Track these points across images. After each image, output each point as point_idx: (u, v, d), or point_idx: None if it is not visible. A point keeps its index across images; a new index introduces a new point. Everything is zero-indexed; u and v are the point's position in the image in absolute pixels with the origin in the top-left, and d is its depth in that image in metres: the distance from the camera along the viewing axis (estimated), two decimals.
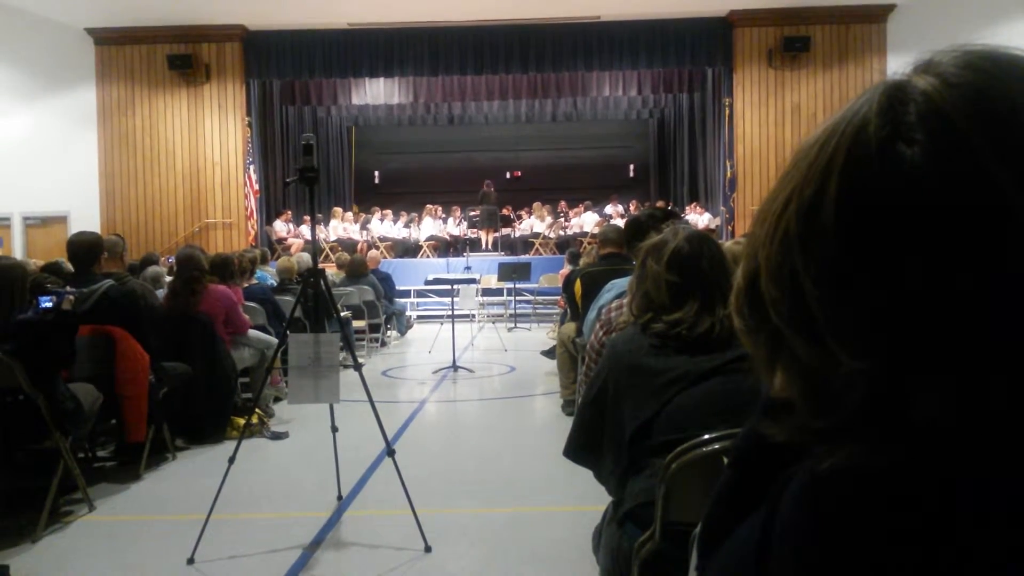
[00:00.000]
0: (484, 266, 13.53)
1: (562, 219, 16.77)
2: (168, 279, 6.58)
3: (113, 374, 4.58)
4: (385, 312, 10.37)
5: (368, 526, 3.91)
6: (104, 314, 4.60)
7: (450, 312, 9.44)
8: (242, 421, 5.22)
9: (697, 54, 15.09)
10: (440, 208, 17.17)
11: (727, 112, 15.14)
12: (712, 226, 14.85)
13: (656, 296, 2.07)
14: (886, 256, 0.45)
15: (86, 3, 13.84)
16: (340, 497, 4.23)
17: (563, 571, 3.38)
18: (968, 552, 0.45)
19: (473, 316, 12.54)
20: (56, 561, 3.58)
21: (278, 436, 5.66)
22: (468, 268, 12.35)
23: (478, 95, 17.64)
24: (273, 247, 14.67)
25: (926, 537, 0.46)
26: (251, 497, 4.32)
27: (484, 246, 16.14)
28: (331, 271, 10.77)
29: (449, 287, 10.06)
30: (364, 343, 9.73)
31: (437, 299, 13.14)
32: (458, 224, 16.75)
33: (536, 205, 16.84)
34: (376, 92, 17.52)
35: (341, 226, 16.03)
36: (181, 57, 14.87)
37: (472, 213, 16.38)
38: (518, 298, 13.32)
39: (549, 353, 7.90)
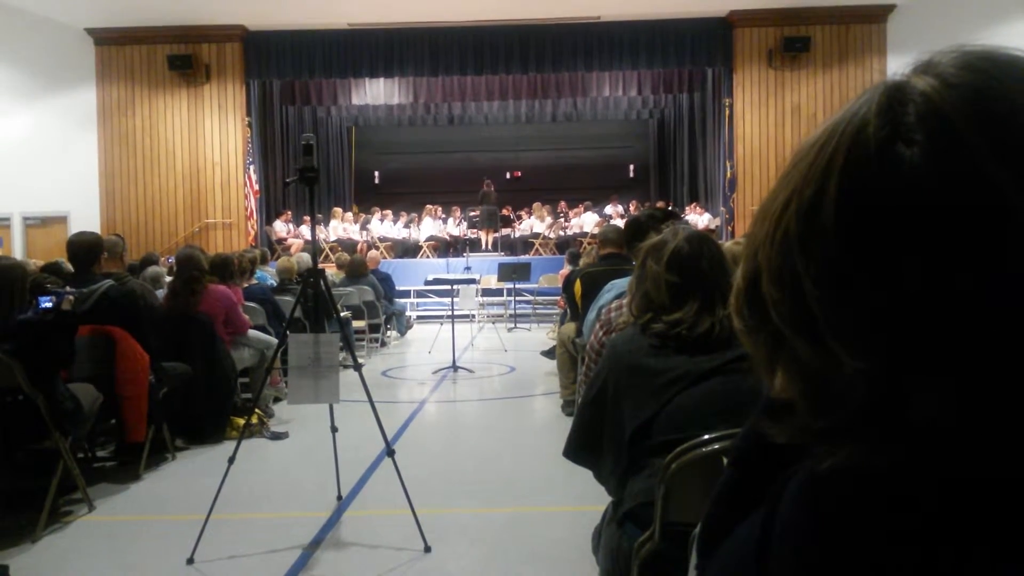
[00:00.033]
0: (484, 266, 13.53)
1: (562, 219, 16.78)
2: (168, 279, 6.58)
3: (113, 374, 4.58)
4: (385, 312, 10.37)
5: (368, 526, 3.91)
6: (104, 314, 4.60)
7: (450, 312, 9.45)
8: (242, 421, 5.22)
9: (697, 54, 15.10)
10: (440, 208, 17.18)
11: (727, 112, 15.14)
12: (712, 226, 14.85)
13: (656, 296, 2.07)
14: (885, 256, 0.45)
15: (86, 3, 13.84)
16: (340, 497, 4.23)
17: (563, 571, 3.38)
18: (967, 552, 0.45)
19: (473, 316, 12.54)
20: (56, 561, 3.59)
21: (278, 436, 5.66)
22: (468, 268, 12.36)
23: (478, 95, 17.65)
24: (273, 247, 14.67)
25: (925, 537, 0.46)
26: (251, 497, 4.32)
27: (484, 246, 16.14)
28: (331, 271, 10.77)
29: (449, 287, 10.07)
30: (364, 343, 9.73)
31: (437, 299, 13.14)
32: (458, 224, 16.75)
33: (536, 205, 16.85)
34: (376, 92, 17.53)
35: (341, 226, 16.03)
36: (181, 57, 14.87)
37: (472, 213, 16.39)
38: (518, 298, 13.32)
39: (549, 353, 7.90)
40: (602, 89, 17.65)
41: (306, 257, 8.96)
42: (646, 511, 1.90)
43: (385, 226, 16.42)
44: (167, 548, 3.63)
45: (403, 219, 16.86)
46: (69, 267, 5.46)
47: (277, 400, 6.59)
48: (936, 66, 0.48)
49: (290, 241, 15.27)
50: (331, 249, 14.80)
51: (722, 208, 15.29)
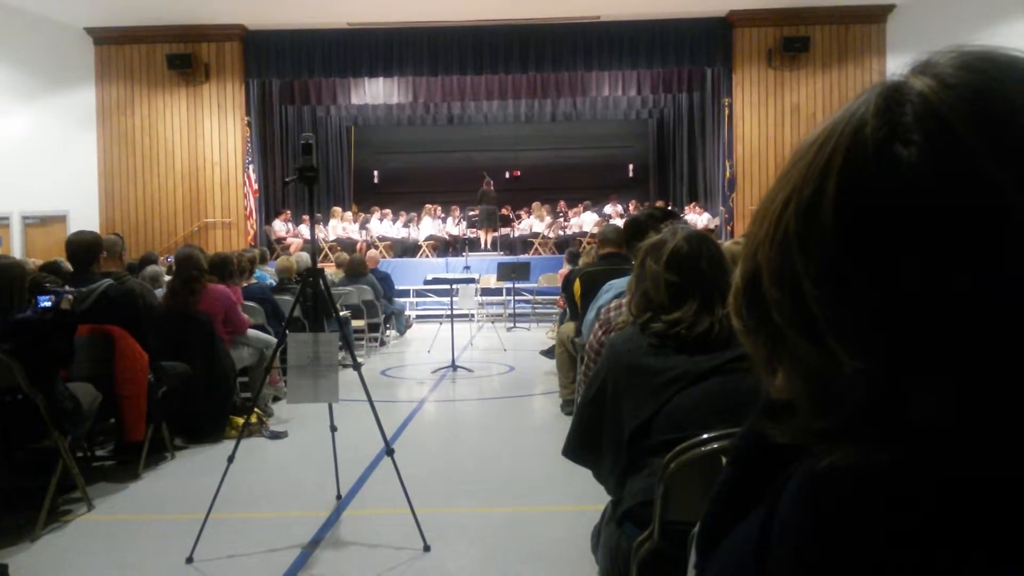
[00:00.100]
0: (483, 266, 13.53)
1: (561, 219, 16.78)
2: (167, 278, 6.58)
3: (112, 373, 4.58)
4: (384, 312, 10.36)
5: (367, 525, 3.91)
6: (103, 313, 4.60)
7: (449, 312, 9.44)
8: (241, 420, 5.21)
9: (696, 54, 15.10)
10: (439, 208, 17.17)
11: (726, 112, 15.14)
12: (711, 226, 14.85)
13: (655, 296, 2.08)
14: (884, 256, 0.45)
15: (85, 3, 13.83)
16: (339, 496, 4.23)
17: (562, 570, 3.38)
18: (966, 552, 0.45)
19: (472, 316, 12.53)
20: (55, 560, 3.58)
21: (277, 435, 5.66)
22: (467, 268, 12.35)
23: (477, 95, 17.64)
24: (272, 247, 14.67)
25: (925, 537, 0.46)
26: (250, 496, 4.32)
27: (483, 246, 16.13)
28: (330, 271, 10.76)
29: (448, 287, 10.06)
30: (363, 343, 9.73)
31: (436, 299, 13.14)
32: (457, 224, 16.75)
33: (535, 205, 16.84)
34: (375, 92, 17.52)
35: (340, 226, 16.03)
36: (180, 57, 14.86)
37: (471, 213, 16.38)
38: (517, 298, 13.32)
39: (548, 353, 7.90)
40: (601, 89, 17.64)
41: (305, 256, 8.97)
42: (645, 510, 1.90)
43: (384, 225, 16.42)
44: (166, 547, 3.62)
45: (402, 218, 16.87)
46: (68, 266, 5.46)
47: (276, 399, 6.59)
48: (934, 66, 0.48)
49: (289, 240, 15.27)
50: (330, 248, 14.81)
51: (721, 208, 15.29)
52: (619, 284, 3.55)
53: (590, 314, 3.94)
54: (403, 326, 11.57)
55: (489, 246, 16.14)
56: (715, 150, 16.04)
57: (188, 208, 15.17)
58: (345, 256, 11.20)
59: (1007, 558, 0.44)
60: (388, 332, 11.09)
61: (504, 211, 16.47)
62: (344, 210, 16.77)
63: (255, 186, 15.35)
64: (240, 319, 6.24)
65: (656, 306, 2.07)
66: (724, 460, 1.69)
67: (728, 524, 0.63)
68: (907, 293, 0.44)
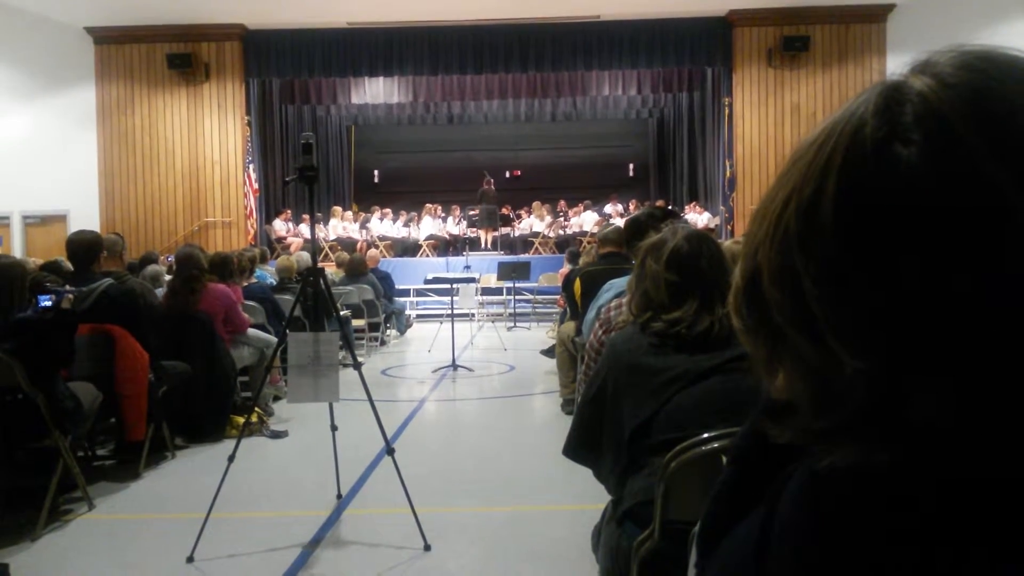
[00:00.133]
0: (484, 265, 13.53)
1: (561, 218, 16.78)
2: (167, 278, 6.58)
3: (112, 373, 4.58)
4: (384, 311, 10.36)
5: (367, 525, 3.91)
6: (103, 313, 4.60)
7: (450, 311, 9.44)
8: (241, 420, 5.21)
9: (697, 54, 15.09)
10: (439, 207, 17.17)
11: (726, 112, 15.14)
12: (711, 225, 14.85)
13: (655, 295, 2.08)
14: (884, 256, 0.45)
15: (85, 2, 13.83)
16: (340, 496, 4.23)
17: (562, 570, 3.38)
18: (966, 552, 0.45)
19: (473, 315, 12.53)
20: (56, 560, 3.59)
21: (277, 435, 5.66)
22: (468, 267, 12.35)
23: (478, 94, 17.63)
24: (272, 246, 14.67)
25: (924, 537, 0.46)
26: (251, 496, 4.32)
27: (484, 245, 16.13)
28: (330, 270, 10.76)
29: (448, 286, 10.06)
30: (363, 342, 9.73)
31: (436, 298, 13.14)
32: (457, 223, 16.75)
33: (536, 204, 16.84)
34: (376, 91, 17.52)
35: (340, 225, 16.03)
36: (181, 56, 14.86)
37: (471, 212, 16.38)
38: (518, 297, 13.32)
39: (549, 352, 7.90)
40: (602, 88, 17.64)
41: (306, 256, 8.96)
42: (646, 510, 1.90)
43: (385, 225, 16.43)
44: (167, 546, 3.63)
45: (403, 218, 16.87)
46: (69, 266, 5.46)
47: (277, 399, 6.59)
48: (934, 66, 0.48)
49: (290, 240, 15.27)
50: (331, 248, 14.81)
51: (721, 207, 15.29)
52: (619, 283, 3.55)
53: (590, 313, 3.95)
54: (403, 325, 11.57)
55: (489, 245, 16.14)
56: (715, 149, 16.03)
57: (188, 207, 15.17)
58: (345, 255, 11.20)
59: (1007, 558, 0.44)
60: (388, 331, 11.08)
61: (504, 210, 16.46)
62: (344, 209, 16.77)
63: (255, 185, 15.35)
64: (240, 318, 6.24)
65: (656, 305, 2.07)
66: (724, 459, 1.69)
67: (728, 524, 0.63)
68: (907, 293, 0.44)
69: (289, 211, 16.01)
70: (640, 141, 20.33)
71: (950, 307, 0.44)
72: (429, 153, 20.21)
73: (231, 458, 3.62)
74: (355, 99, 17.70)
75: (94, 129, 15.12)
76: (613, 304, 3.00)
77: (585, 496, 3.45)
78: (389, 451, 3.70)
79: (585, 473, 2.25)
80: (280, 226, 15.61)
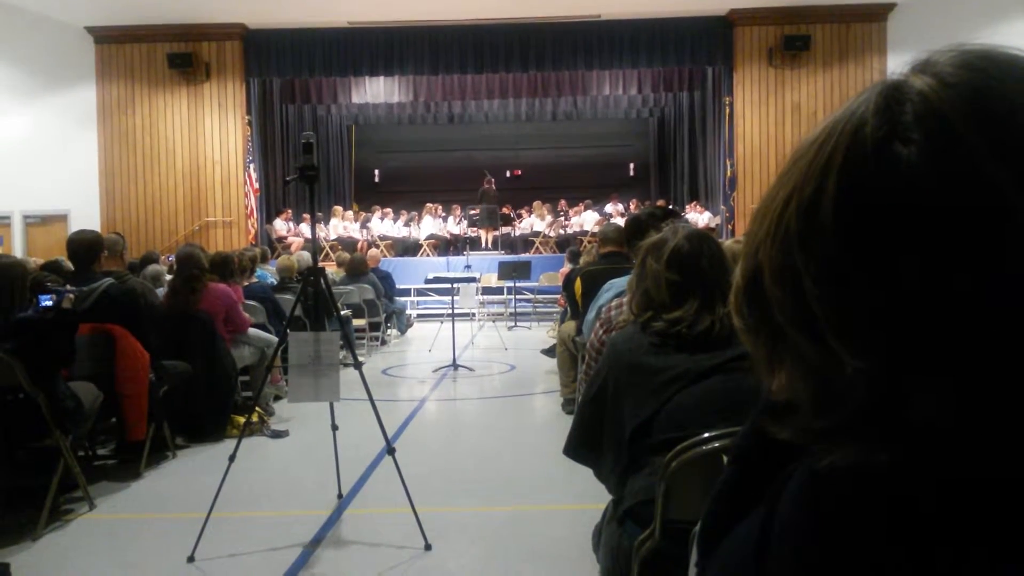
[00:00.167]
0: (484, 265, 13.53)
1: (562, 218, 16.77)
2: (168, 277, 6.58)
3: (113, 372, 4.58)
4: (385, 311, 10.36)
5: (368, 524, 3.91)
6: (104, 312, 4.60)
7: (450, 311, 9.44)
8: (242, 419, 5.21)
9: (697, 53, 15.09)
10: (440, 207, 17.17)
11: (727, 111, 15.13)
12: (712, 225, 14.84)
13: (656, 294, 2.08)
14: (884, 255, 0.45)
15: (86, 1, 13.84)
16: (340, 495, 4.23)
17: (563, 569, 3.38)
18: (966, 552, 0.45)
19: (473, 315, 12.53)
20: (56, 559, 3.59)
21: (278, 434, 5.67)
22: (468, 267, 12.35)
23: (478, 94, 17.63)
24: (273, 246, 14.67)
25: (924, 537, 0.46)
26: (251, 495, 4.33)
27: (484, 245, 16.13)
28: (331, 270, 10.75)
29: (449, 286, 10.07)
30: (364, 342, 9.73)
31: (437, 298, 13.14)
32: (458, 223, 16.75)
33: (536, 204, 16.84)
34: (376, 91, 17.52)
35: (341, 224, 16.03)
36: (181, 56, 14.87)
37: (472, 212, 16.38)
38: (518, 297, 13.32)
39: (549, 352, 7.90)
40: (602, 87, 17.63)
41: (306, 255, 8.97)
42: (646, 509, 1.90)
43: (385, 224, 16.43)
44: (168, 546, 3.63)
45: (403, 217, 16.86)
46: (69, 265, 5.46)
47: (277, 398, 6.60)
48: (934, 65, 0.48)
49: (290, 239, 15.27)
50: (331, 247, 14.81)
51: (722, 207, 15.29)
52: (620, 283, 3.55)
53: (591, 313, 3.95)
54: (404, 325, 11.56)
55: (490, 245, 16.14)
56: (716, 149, 16.03)
57: (189, 207, 15.18)
58: (346, 255, 11.20)
59: (1007, 558, 0.44)
60: (389, 331, 11.09)
61: (505, 210, 16.46)
62: (345, 209, 16.78)
63: (256, 185, 15.36)
64: (241, 318, 6.24)
65: (657, 305, 2.07)
66: (725, 459, 1.69)
67: (729, 523, 0.63)
68: (907, 292, 0.44)
69: (290, 211, 16.00)
70: (641, 140, 20.33)
71: (950, 307, 0.44)
72: (430, 152, 20.21)
73: (232, 458, 3.63)
74: (355, 98, 17.70)
75: (95, 129, 15.13)
76: (614, 303, 3.00)
77: (586, 496, 3.45)
78: (390, 451, 3.70)
79: (586, 473, 2.25)
80: (281, 226, 15.62)
